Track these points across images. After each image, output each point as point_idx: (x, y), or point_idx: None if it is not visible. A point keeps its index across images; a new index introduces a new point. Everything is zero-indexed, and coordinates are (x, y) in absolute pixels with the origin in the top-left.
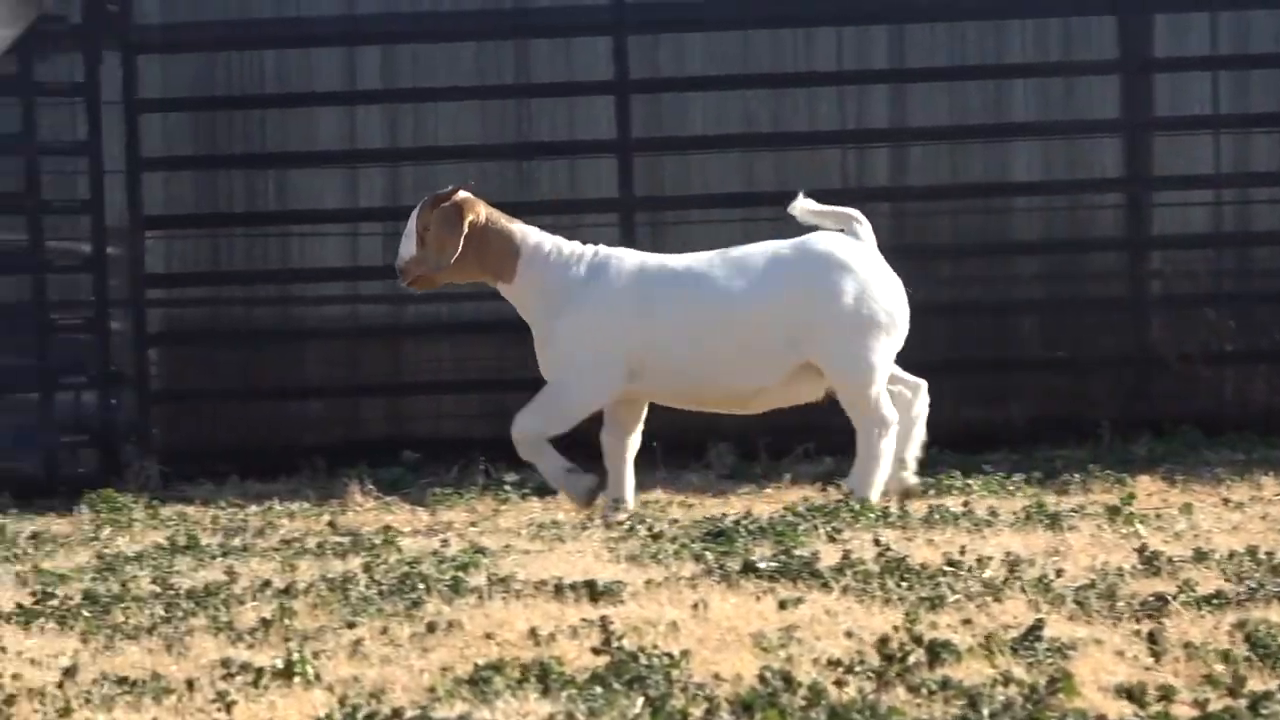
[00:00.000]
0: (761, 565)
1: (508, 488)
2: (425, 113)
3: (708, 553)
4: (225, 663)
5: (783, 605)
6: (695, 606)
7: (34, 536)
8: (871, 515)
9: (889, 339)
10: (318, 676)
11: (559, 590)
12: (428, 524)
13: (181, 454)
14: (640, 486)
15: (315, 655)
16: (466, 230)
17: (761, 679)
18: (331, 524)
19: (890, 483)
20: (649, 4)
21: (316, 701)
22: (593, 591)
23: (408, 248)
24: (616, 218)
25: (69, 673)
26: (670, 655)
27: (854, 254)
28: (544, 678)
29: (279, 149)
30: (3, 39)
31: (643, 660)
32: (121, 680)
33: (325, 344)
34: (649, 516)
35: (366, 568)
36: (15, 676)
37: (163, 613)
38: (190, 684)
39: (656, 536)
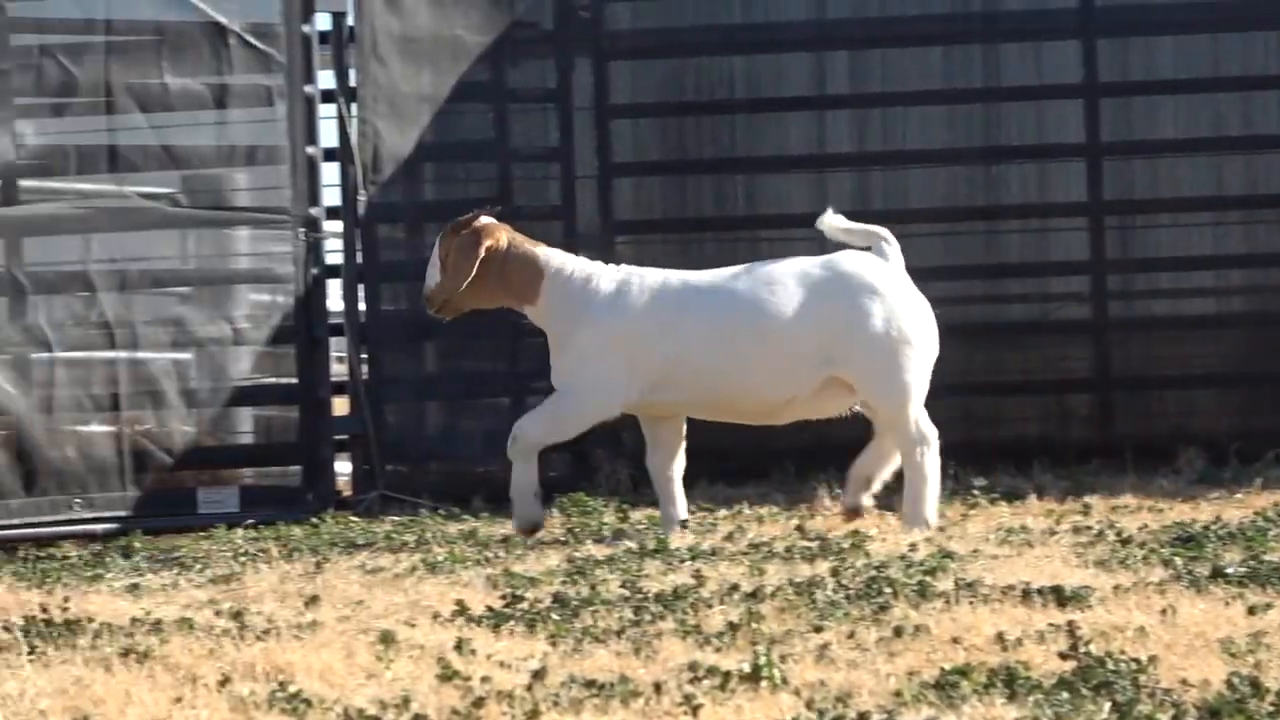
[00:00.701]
0: (1230, 571)
1: (975, 492)
2: (893, 117)
3: (1176, 558)
4: (692, 666)
5: (1251, 611)
6: (1163, 612)
7: (505, 540)
8: None
9: (921, 358)
10: (784, 680)
11: (1026, 595)
12: (896, 528)
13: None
14: (1109, 490)
15: (782, 659)
16: (483, 255)
17: (1229, 685)
18: (800, 528)
19: (844, 499)
20: (1118, 6)
21: (783, 705)
22: (1060, 596)
23: (433, 275)
24: (1085, 222)
25: (538, 675)
26: (1137, 661)
27: (882, 274)
28: (1010, 683)
29: (748, 154)
30: (476, 45)
31: (1110, 665)
32: (589, 683)
33: None
34: (1118, 521)
35: (834, 572)
36: (485, 679)
37: (631, 616)
38: (658, 687)
39: (1125, 542)
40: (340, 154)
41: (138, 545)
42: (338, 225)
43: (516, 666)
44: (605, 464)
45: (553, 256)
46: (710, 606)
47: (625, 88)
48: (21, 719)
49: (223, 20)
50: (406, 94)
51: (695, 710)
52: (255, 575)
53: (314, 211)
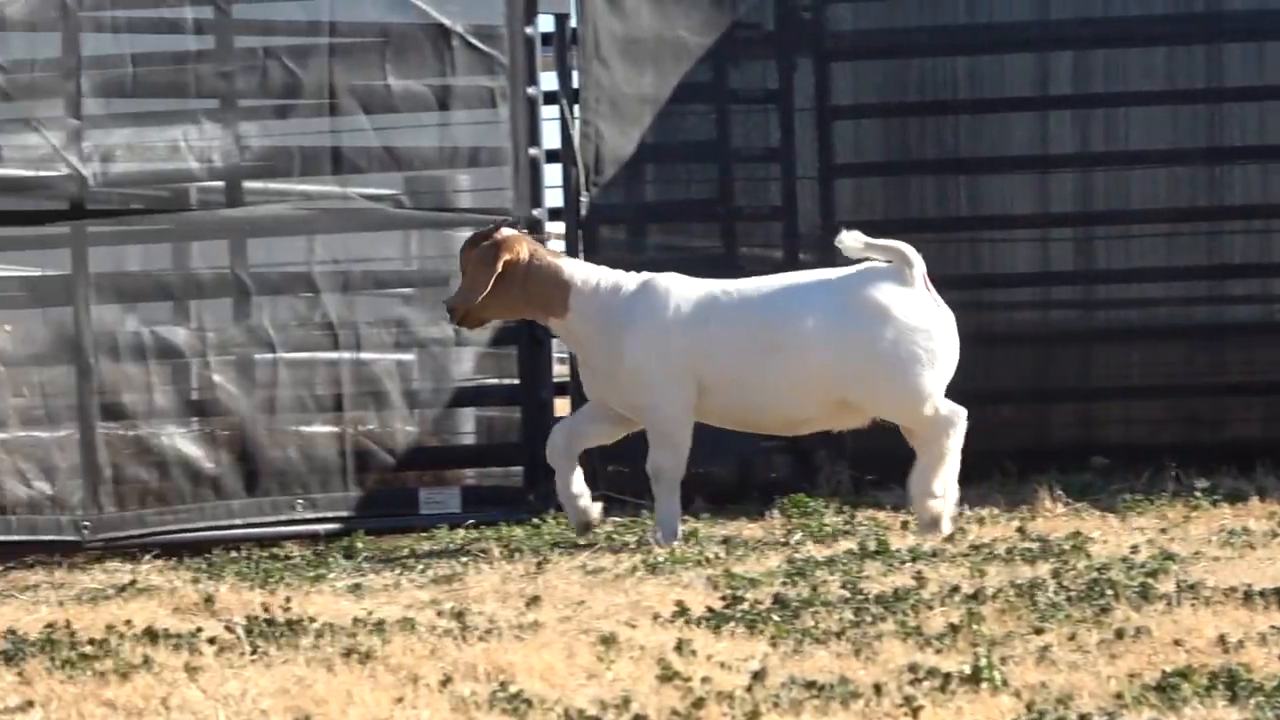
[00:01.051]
0: None
1: (1198, 494)
2: (1116, 117)
3: None
4: (913, 668)
5: None
6: None
7: (725, 541)
8: None
9: (932, 371)
10: (1005, 682)
11: (1248, 597)
12: (1118, 530)
13: (873, 459)
14: None
15: (1003, 661)
16: (500, 269)
17: None
18: (1021, 530)
19: (919, 516)
20: None
21: (1003, 707)
22: None
23: (455, 285)
24: None
25: (758, 676)
26: None
27: (897, 294)
28: (1232, 685)
29: (970, 155)
30: (697, 46)
31: None
32: (809, 685)
33: (1015, 349)
34: None
35: (1055, 574)
36: (705, 680)
37: (851, 617)
38: (878, 688)
39: None
40: (562, 155)
41: (360, 545)
42: (560, 226)
43: (737, 667)
44: (826, 464)
45: (577, 269)
46: (931, 608)
47: (847, 88)
48: (243, 718)
49: (446, 22)
50: (628, 95)
51: (915, 712)
52: (477, 576)
53: (536, 213)
